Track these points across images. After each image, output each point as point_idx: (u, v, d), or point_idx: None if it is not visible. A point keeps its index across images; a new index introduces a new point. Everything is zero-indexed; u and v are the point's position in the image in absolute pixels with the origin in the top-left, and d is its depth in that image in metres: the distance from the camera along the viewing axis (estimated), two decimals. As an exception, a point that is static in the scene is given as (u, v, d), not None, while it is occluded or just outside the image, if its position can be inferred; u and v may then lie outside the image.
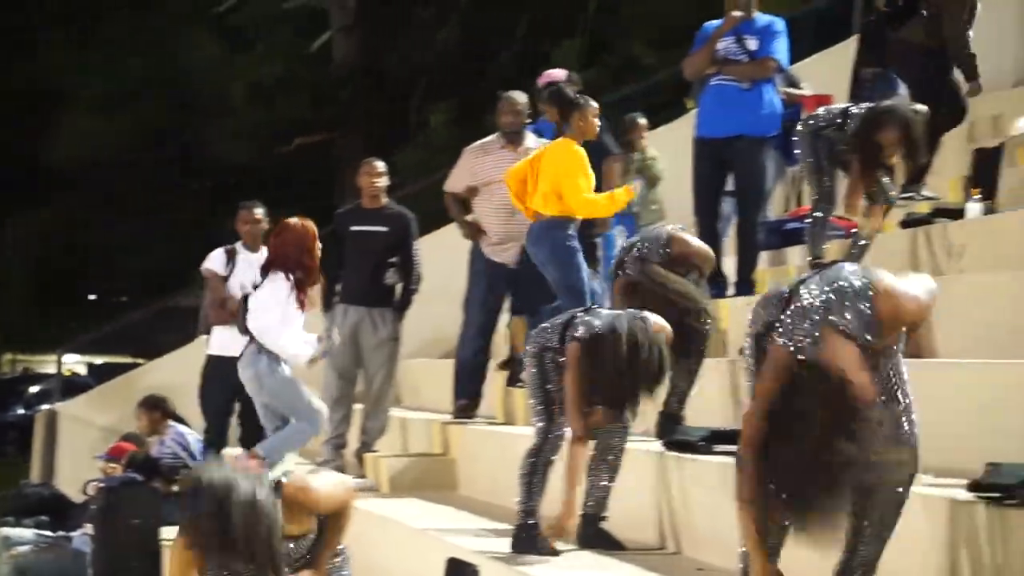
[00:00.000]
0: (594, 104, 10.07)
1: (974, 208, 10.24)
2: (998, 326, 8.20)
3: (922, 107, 9.62)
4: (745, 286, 10.87)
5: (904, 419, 5.62)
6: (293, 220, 10.46)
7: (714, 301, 9.36)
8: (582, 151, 9.84)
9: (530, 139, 11.53)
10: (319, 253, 10.40)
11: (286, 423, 10.54)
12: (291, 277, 10.24)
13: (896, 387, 5.62)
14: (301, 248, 10.27)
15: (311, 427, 10.56)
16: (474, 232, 11.61)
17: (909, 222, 10.38)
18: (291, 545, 6.46)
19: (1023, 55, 15.41)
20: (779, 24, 11.53)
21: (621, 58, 27.53)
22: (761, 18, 11.43)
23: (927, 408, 7.27)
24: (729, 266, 11.21)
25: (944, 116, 11.17)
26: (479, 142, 11.76)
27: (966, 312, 8.45)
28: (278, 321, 10.30)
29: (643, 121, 13.97)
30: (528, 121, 11.70)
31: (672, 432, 8.48)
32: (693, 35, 11.67)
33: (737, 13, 11.31)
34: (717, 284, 10.65)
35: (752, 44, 11.36)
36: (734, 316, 9.77)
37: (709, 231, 11.00)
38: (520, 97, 11.61)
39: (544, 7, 29.59)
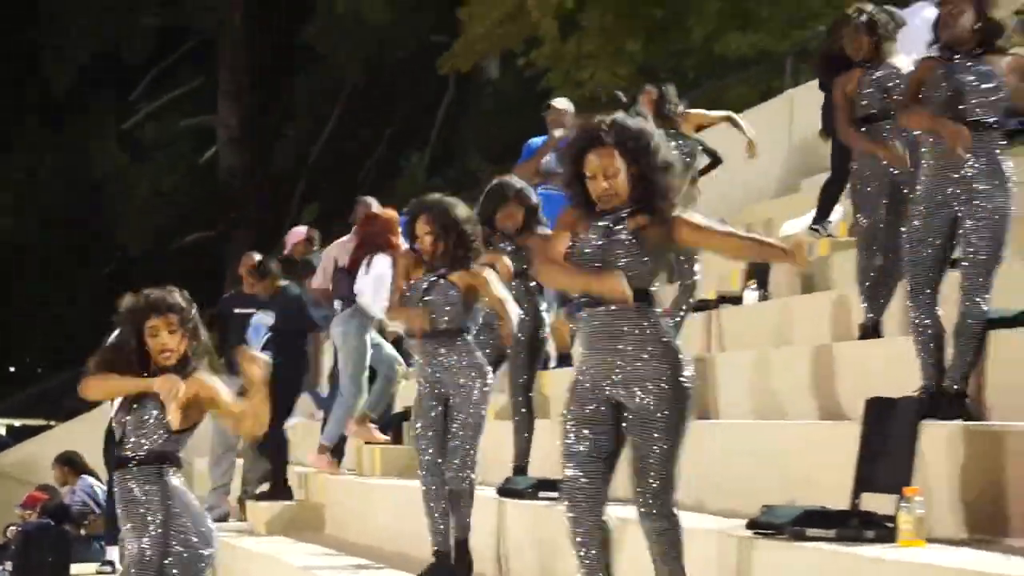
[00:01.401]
0: None
1: (750, 296, 10.41)
2: (766, 392, 8.34)
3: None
4: (567, 359, 10.91)
5: None
6: (379, 210, 10.68)
7: (539, 373, 9.33)
8: None
9: None
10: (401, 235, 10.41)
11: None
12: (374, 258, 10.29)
13: None
14: (387, 231, 10.37)
15: (351, 394, 10.72)
16: None
17: (699, 307, 10.50)
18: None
19: (789, 166, 15.66)
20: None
21: (460, 169, 27.70)
22: (577, 136, 11.56)
23: (713, 461, 7.39)
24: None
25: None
26: (339, 240, 11.76)
27: (741, 380, 8.59)
28: (371, 291, 10.30)
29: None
30: None
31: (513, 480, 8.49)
32: (520, 149, 11.78)
33: (558, 132, 11.43)
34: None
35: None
36: (555, 384, 9.81)
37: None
38: (373, 201, 11.64)
39: (400, 123, 29.71)
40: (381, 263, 10.22)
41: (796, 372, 8.14)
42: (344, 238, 11.74)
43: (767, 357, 8.67)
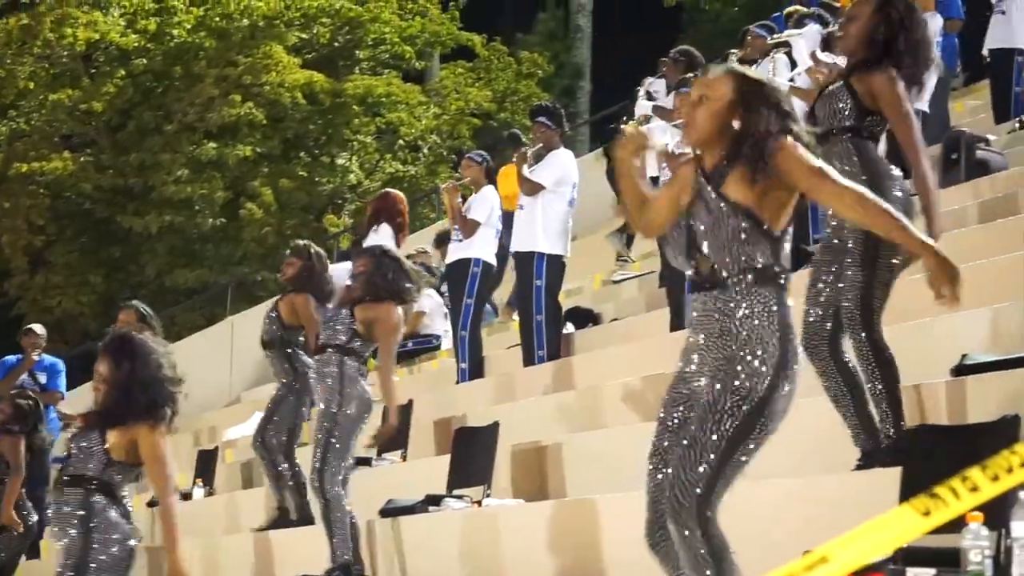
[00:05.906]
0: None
1: (198, 492, 10.18)
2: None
3: None
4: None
5: None
6: (390, 190, 10.64)
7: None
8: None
9: None
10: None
11: None
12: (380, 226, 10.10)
13: None
14: (398, 205, 10.25)
15: None
16: None
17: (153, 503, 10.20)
18: None
19: (232, 379, 15.59)
20: (60, 364, 11.43)
21: None
22: (47, 358, 11.32)
23: None
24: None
25: None
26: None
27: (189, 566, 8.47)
28: None
29: None
30: None
31: None
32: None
33: (36, 355, 11.12)
34: None
35: (42, 379, 11.24)
36: None
37: None
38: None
39: None
40: (384, 231, 10.10)
41: (241, 556, 8.12)
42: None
43: (215, 543, 8.60)
